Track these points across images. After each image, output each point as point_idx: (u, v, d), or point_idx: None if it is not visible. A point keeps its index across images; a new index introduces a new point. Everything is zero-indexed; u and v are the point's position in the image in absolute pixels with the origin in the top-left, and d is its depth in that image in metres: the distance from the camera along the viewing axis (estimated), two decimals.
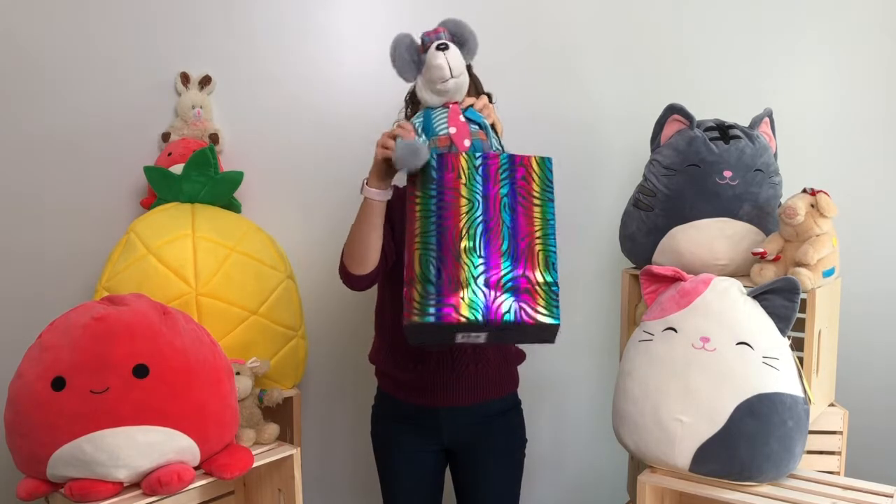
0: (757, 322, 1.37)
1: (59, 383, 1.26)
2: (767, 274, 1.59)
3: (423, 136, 1.28)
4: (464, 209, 1.23)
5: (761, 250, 1.60)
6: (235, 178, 1.91)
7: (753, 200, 1.68)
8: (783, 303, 1.38)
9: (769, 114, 1.80)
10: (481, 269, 1.20)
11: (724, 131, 1.72)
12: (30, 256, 1.94)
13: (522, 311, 1.20)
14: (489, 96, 1.60)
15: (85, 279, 1.92)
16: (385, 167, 1.37)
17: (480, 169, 1.26)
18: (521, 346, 1.65)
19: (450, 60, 1.27)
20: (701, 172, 1.68)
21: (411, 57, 1.33)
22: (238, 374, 1.57)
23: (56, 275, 1.95)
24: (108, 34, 1.95)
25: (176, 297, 1.65)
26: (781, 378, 1.33)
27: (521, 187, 1.25)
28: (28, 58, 1.90)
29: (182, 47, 2.00)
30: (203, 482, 1.39)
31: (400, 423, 1.62)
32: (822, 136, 2.08)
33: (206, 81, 2.01)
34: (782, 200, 1.64)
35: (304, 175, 2.11)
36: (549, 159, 1.27)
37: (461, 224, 1.22)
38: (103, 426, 1.25)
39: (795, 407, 1.33)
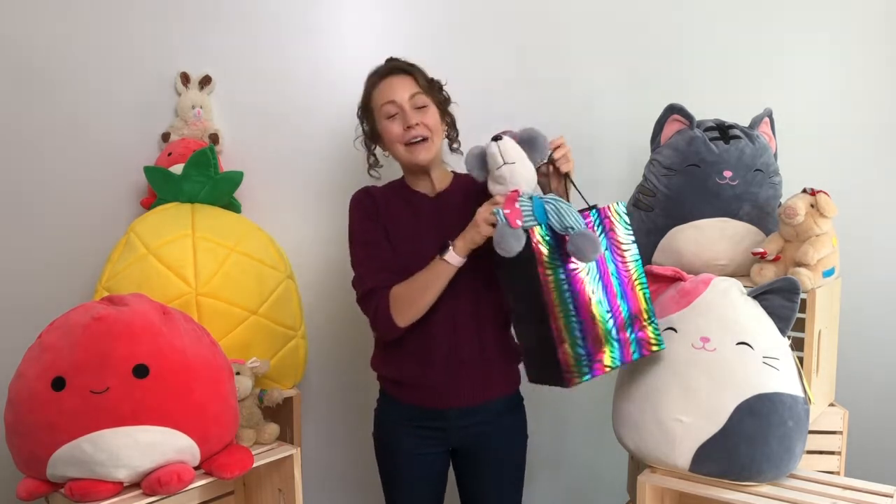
0: (757, 322, 1.37)
1: (59, 383, 1.26)
2: (767, 274, 1.59)
3: (535, 218, 1.36)
4: (583, 272, 1.36)
5: (761, 250, 1.60)
6: (235, 178, 1.91)
7: (753, 200, 1.68)
8: (783, 303, 1.38)
9: (769, 114, 1.80)
10: (611, 321, 1.37)
11: (724, 131, 1.72)
12: (30, 256, 1.94)
13: (643, 348, 1.39)
14: (447, 102, 1.61)
15: (85, 279, 1.92)
16: (482, 240, 1.42)
17: None
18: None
19: (501, 148, 1.37)
20: (701, 172, 1.69)
21: (477, 160, 1.44)
22: (238, 374, 1.57)
23: (56, 275, 1.94)
24: (108, 34, 1.95)
25: (176, 297, 1.65)
26: (781, 378, 1.33)
27: (612, 238, 1.40)
28: (28, 58, 1.90)
29: (182, 47, 2.00)
30: (203, 482, 1.39)
31: (404, 425, 1.61)
32: (822, 136, 2.08)
33: (206, 81, 2.01)
34: (782, 200, 1.64)
35: (304, 175, 2.11)
36: (622, 203, 1.42)
37: (587, 285, 1.36)
38: (103, 426, 1.25)
39: (795, 407, 1.34)
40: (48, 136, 1.93)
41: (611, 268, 1.38)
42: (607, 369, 1.36)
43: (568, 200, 1.45)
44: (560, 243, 1.35)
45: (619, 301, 1.37)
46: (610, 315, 1.36)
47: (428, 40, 2.11)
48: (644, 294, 1.40)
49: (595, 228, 1.38)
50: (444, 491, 1.68)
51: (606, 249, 1.38)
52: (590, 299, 1.35)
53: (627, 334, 1.37)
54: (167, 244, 1.71)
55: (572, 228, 1.31)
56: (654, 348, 1.39)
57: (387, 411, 1.66)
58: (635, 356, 1.38)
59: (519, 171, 1.37)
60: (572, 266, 1.35)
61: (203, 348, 1.40)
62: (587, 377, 1.35)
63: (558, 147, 1.43)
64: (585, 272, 1.36)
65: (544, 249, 1.34)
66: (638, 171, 1.86)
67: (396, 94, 1.53)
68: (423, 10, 2.13)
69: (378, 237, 1.56)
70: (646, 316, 1.39)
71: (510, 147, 1.37)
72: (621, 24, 2.16)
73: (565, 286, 1.34)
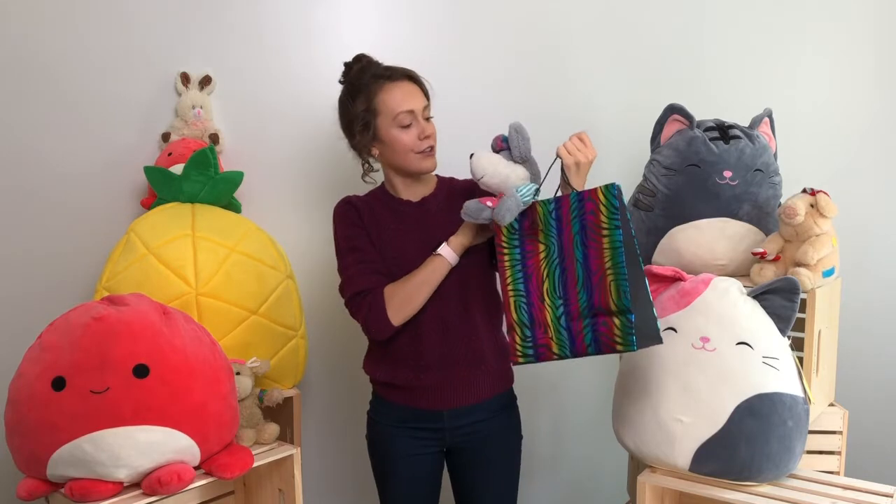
0: (757, 322, 1.37)
1: (59, 383, 1.26)
2: (767, 274, 1.59)
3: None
4: (542, 254, 1.36)
5: (761, 250, 1.60)
6: (235, 178, 1.91)
7: (753, 200, 1.68)
8: (783, 303, 1.38)
9: (769, 114, 1.80)
10: (562, 308, 1.33)
11: (723, 131, 1.72)
12: (30, 256, 1.94)
13: (602, 344, 1.30)
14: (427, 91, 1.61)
15: (85, 279, 1.92)
16: (475, 230, 1.49)
17: (554, 213, 1.36)
18: None
19: (472, 167, 1.41)
20: (701, 172, 1.69)
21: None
22: (238, 374, 1.57)
23: (56, 275, 1.94)
24: (108, 34, 1.95)
25: (176, 297, 1.65)
26: (781, 378, 1.33)
27: (589, 222, 1.31)
28: (28, 57, 1.90)
29: (182, 47, 2.00)
30: (203, 482, 1.39)
31: (398, 426, 1.61)
32: (822, 136, 2.08)
33: (206, 81, 2.01)
34: (782, 200, 1.64)
35: (304, 175, 2.11)
36: (615, 186, 1.29)
37: (542, 268, 1.35)
38: (103, 426, 1.25)
39: (795, 407, 1.34)
40: (48, 136, 1.93)
41: (577, 253, 1.31)
42: (555, 357, 1.34)
43: (578, 189, 1.43)
44: (521, 225, 1.37)
45: (577, 289, 1.31)
46: (561, 302, 1.33)
47: (427, 40, 2.11)
48: (618, 287, 1.25)
49: (570, 213, 1.33)
50: (438, 491, 1.68)
51: (577, 235, 1.32)
52: (542, 282, 1.35)
53: (581, 326, 1.30)
54: (167, 244, 1.71)
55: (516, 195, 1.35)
56: (619, 347, 1.27)
57: (380, 413, 1.66)
58: (591, 350, 1.30)
59: (490, 181, 1.40)
60: (529, 247, 1.36)
61: (203, 348, 1.40)
62: (531, 360, 1.36)
63: (570, 138, 1.44)
64: (544, 255, 1.35)
65: (503, 227, 1.38)
66: (638, 171, 1.86)
67: (414, 103, 1.53)
68: (423, 10, 2.13)
69: (365, 244, 1.57)
70: (614, 309, 1.26)
71: (477, 165, 1.41)
72: (621, 24, 2.16)
73: (519, 266, 1.37)
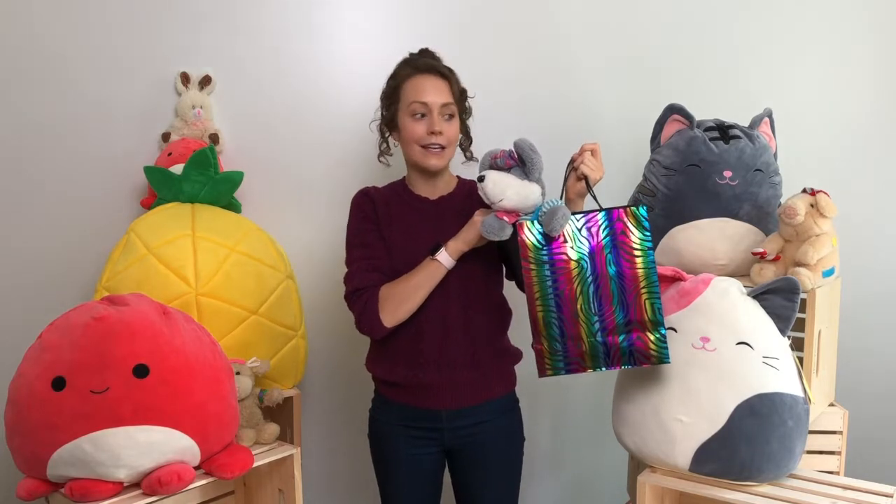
0: (757, 322, 1.37)
1: (59, 383, 1.26)
2: (767, 274, 1.59)
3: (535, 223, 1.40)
4: (574, 272, 1.36)
5: (761, 250, 1.60)
6: (235, 178, 1.91)
7: (753, 200, 1.68)
8: (783, 303, 1.38)
9: (769, 114, 1.80)
10: (597, 325, 1.36)
11: (723, 131, 1.72)
12: (30, 256, 1.94)
13: (637, 358, 1.35)
14: (468, 113, 1.64)
15: (85, 279, 1.92)
16: (476, 238, 1.47)
17: (583, 230, 1.37)
18: (518, 346, 1.65)
19: (486, 192, 1.39)
20: (701, 172, 1.69)
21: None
22: (238, 374, 1.57)
23: (56, 275, 1.94)
24: (108, 34, 1.95)
25: (176, 297, 1.65)
26: (781, 378, 1.34)
27: (621, 242, 1.35)
28: (27, 58, 1.90)
29: (182, 47, 2.00)
30: (203, 482, 1.39)
31: (398, 425, 1.61)
32: (822, 136, 2.08)
33: (206, 81, 2.01)
34: (782, 200, 1.64)
35: (304, 175, 2.11)
36: (644, 207, 1.36)
37: (574, 284, 1.36)
38: (103, 426, 1.25)
39: (795, 407, 1.34)
40: (48, 137, 1.93)
41: (610, 270, 1.35)
42: (588, 370, 1.37)
43: (581, 204, 1.46)
44: (548, 241, 1.37)
45: (613, 306, 1.35)
46: (597, 318, 1.35)
47: (428, 41, 2.10)
48: (653, 304, 1.34)
49: (601, 231, 1.36)
50: (439, 491, 1.68)
51: (609, 253, 1.36)
52: (576, 299, 1.35)
53: (618, 340, 1.35)
54: (167, 244, 1.71)
55: (551, 227, 1.34)
56: (654, 360, 1.35)
57: (381, 411, 1.66)
58: (626, 364, 1.36)
59: (510, 204, 1.39)
60: (559, 263, 1.36)
61: (203, 348, 1.40)
62: (561, 372, 1.38)
63: (583, 152, 1.46)
64: (576, 272, 1.35)
65: (530, 242, 1.37)
66: (638, 171, 1.86)
67: (430, 96, 1.53)
68: (424, 11, 2.13)
69: (373, 240, 1.57)
70: (649, 326, 1.34)
71: (494, 189, 1.38)
72: (621, 24, 2.16)
73: (549, 282, 1.36)
